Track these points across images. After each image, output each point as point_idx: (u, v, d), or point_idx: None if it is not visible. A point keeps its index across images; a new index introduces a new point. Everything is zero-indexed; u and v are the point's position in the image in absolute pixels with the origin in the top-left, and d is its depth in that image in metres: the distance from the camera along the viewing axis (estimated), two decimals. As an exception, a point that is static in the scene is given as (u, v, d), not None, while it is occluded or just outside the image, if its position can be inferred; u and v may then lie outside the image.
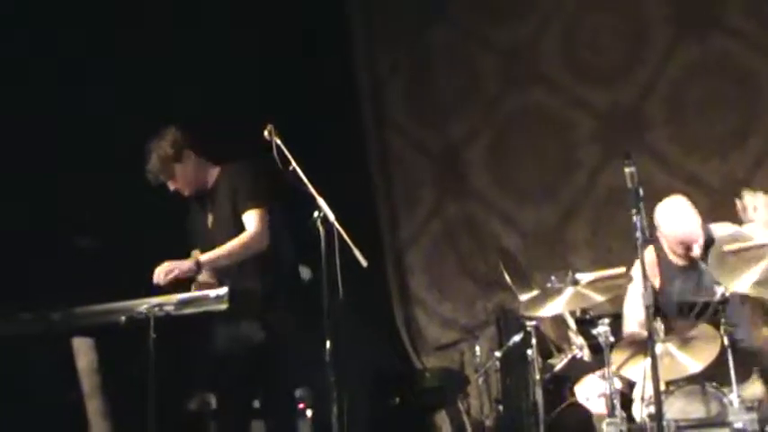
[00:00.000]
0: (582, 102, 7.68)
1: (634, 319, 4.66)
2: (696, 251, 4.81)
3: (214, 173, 4.89)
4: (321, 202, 4.44)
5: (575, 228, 7.61)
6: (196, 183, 4.87)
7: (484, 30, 7.95)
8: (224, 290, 4.42)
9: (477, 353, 6.85)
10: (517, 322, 5.90)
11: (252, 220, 4.66)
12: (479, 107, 7.97)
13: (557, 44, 7.79)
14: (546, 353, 5.67)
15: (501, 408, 6.66)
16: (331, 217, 4.39)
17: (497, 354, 6.24)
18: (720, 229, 4.91)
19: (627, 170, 3.82)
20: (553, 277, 4.57)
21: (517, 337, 5.87)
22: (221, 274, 4.74)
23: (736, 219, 7.02)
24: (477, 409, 7.09)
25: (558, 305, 4.43)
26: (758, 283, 4.12)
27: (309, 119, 7.05)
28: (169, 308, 4.36)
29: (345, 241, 4.36)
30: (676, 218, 4.82)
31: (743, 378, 4.37)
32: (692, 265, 4.85)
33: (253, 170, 4.81)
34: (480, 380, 6.77)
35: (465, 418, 6.88)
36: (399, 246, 8.14)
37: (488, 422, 6.93)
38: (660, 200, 5.11)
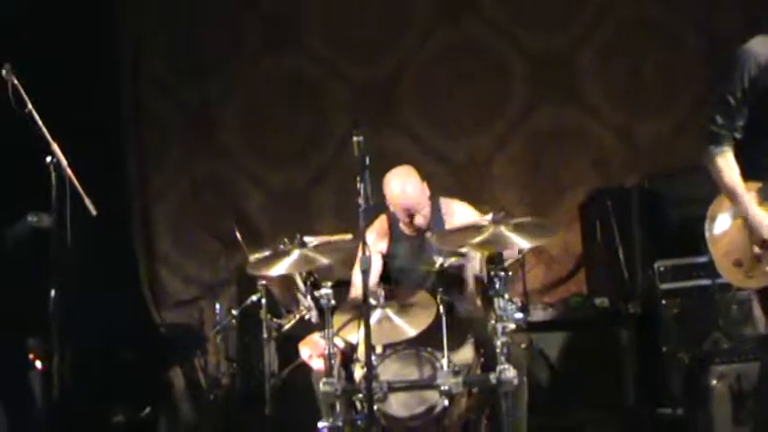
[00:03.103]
0: (338, 74, 7.84)
1: (359, 284, 4.83)
2: (419, 220, 5.02)
3: None
4: (55, 147, 4.34)
5: (321, 194, 7.79)
6: None
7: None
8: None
9: (217, 311, 6.90)
10: (256, 282, 5.98)
11: None
12: (237, 68, 7.96)
13: (319, 15, 7.90)
14: (280, 313, 5.81)
15: (235, 366, 6.75)
16: (63, 163, 4.31)
17: (234, 312, 6.32)
18: (459, 212, 5.14)
19: (355, 139, 3.96)
20: (286, 239, 4.65)
21: (255, 297, 5.95)
22: None
23: (480, 195, 7.47)
24: (214, 366, 7.16)
25: (284, 266, 4.51)
26: (480, 244, 4.42)
27: (61, 63, 6.81)
28: None
29: (77, 189, 4.30)
30: (398, 187, 4.96)
31: (457, 344, 4.63)
32: (419, 234, 5.07)
33: None
34: (218, 338, 6.83)
35: (200, 374, 6.92)
36: (147, 200, 8.03)
37: (224, 380, 7.01)
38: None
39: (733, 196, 4.03)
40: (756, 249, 3.95)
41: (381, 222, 5.16)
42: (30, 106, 4.35)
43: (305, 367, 4.99)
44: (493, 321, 4.37)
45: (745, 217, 3.99)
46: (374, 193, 4.19)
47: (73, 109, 6.45)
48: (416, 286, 4.84)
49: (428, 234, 4.93)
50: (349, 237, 4.68)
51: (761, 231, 3.94)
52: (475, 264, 4.92)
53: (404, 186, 4.95)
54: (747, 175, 4.04)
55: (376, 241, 5.05)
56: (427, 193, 5.05)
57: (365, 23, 7.79)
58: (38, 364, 5.89)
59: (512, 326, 4.36)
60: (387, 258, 5.11)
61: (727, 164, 4.03)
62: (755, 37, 4.04)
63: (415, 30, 7.77)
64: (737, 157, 4.06)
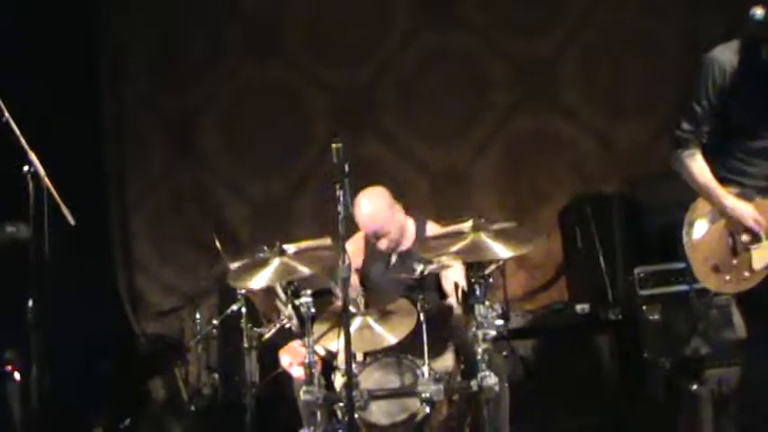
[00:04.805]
0: (318, 79, 7.83)
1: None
2: (383, 244, 5.01)
3: None
4: (32, 156, 4.30)
5: (302, 201, 7.76)
6: None
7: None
8: None
9: (198, 320, 6.87)
10: (236, 292, 5.95)
11: None
12: (218, 74, 7.96)
13: (299, 19, 7.90)
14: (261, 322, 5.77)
15: (217, 376, 6.72)
16: (41, 172, 4.27)
17: (215, 321, 6.29)
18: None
19: (334, 146, 3.95)
20: (265, 247, 4.62)
21: (235, 306, 5.92)
22: None
23: (456, 203, 7.47)
24: (195, 376, 7.12)
25: (265, 277, 4.47)
26: (457, 253, 4.42)
27: (40, 68, 6.78)
28: None
29: (54, 199, 4.26)
30: (366, 210, 4.95)
31: (438, 351, 4.62)
32: (392, 251, 5.08)
33: None
34: (199, 348, 6.80)
35: (181, 385, 6.88)
36: (126, 208, 8.01)
37: (205, 390, 6.98)
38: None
39: (707, 193, 4.07)
40: (745, 237, 3.96)
41: (357, 239, 5.14)
42: (7, 115, 4.30)
43: (286, 376, 4.96)
44: (474, 328, 4.36)
45: (724, 210, 4.01)
46: (353, 200, 4.16)
47: (51, 115, 6.41)
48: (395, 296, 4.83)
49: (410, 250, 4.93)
50: (328, 242, 4.65)
51: (744, 219, 3.95)
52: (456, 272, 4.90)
53: (371, 210, 4.93)
54: (722, 179, 4.07)
55: (352, 256, 5.03)
56: (400, 214, 5.05)
57: (345, 30, 7.78)
58: (16, 375, 5.84)
59: (492, 333, 4.35)
60: (361, 275, 5.11)
61: (697, 163, 4.08)
62: (720, 44, 4.08)
63: (396, 35, 7.76)
64: (711, 162, 4.10)
